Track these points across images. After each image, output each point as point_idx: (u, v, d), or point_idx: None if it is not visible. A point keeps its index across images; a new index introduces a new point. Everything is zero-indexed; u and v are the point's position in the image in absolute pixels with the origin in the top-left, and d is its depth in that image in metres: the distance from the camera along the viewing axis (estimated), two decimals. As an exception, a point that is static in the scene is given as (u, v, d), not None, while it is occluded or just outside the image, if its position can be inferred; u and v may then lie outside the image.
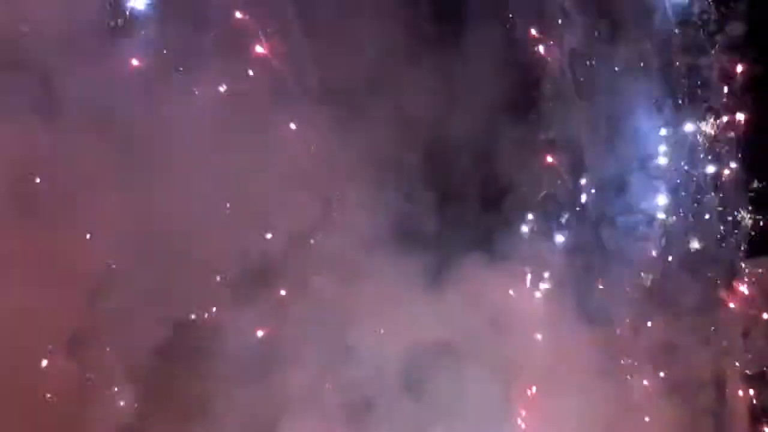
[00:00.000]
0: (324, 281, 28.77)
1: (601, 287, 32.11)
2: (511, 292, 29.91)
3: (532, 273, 31.25)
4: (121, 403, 27.72)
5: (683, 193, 33.66)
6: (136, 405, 28.12)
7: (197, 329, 30.12)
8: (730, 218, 33.19)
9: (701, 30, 32.45)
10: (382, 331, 28.55)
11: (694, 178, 33.37)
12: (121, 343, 28.49)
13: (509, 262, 29.98)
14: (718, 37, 32.40)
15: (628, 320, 31.53)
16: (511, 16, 31.96)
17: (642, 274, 32.68)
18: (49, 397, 25.98)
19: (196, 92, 28.25)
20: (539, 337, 29.87)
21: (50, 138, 28.64)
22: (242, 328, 28.83)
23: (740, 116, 33.12)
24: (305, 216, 29.37)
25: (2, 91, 25.78)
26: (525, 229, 32.03)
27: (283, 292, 29.33)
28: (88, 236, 28.98)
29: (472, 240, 30.10)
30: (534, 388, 30.05)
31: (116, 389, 27.67)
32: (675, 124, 33.60)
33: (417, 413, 29.11)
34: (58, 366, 27.17)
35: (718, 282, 32.80)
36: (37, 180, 28.83)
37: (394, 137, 30.78)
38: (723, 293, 32.34)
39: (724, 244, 33.36)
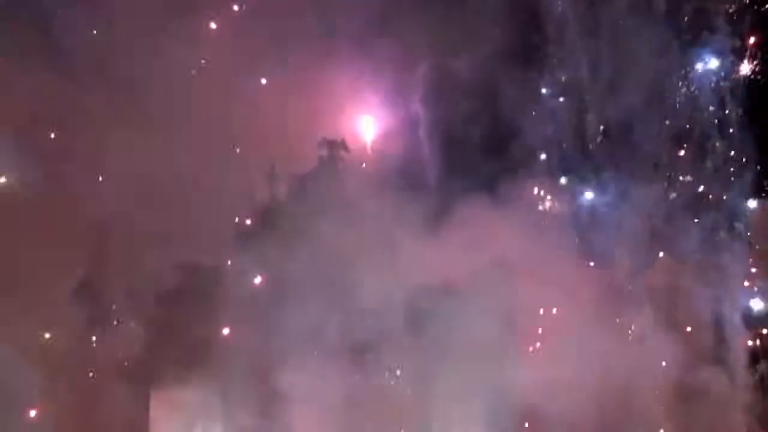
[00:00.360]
0: (328, 223, 28.99)
1: (604, 229, 32.10)
2: (513, 234, 29.83)
3: (535, 215, 31.21)
4: (130, 341, 28.46)
5: (688, 137, 33.51)
6: (144, 344, 28.92)
7: (204, 272, 30.67)
8: (734, 161, 33.02)
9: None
10: (385, 272, 28.70)
11: (700, 122, 33.16)
12: (130, 283, 29.16)
13: (512, 204, 29.95)
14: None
15: (630, 262, 31.55)
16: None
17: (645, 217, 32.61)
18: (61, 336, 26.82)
19: (200, 34, 28.48)
20: (542, 278, 29.94)
21: (57, 83, 29.05)
22: (247, 271, 29.28)
23: (745, 62, 32.89)
24: (310, 158, 29.70)
25: (5, 35, 26.10)
26: (528, 171, 31.86)
27: (286, 235, 29.60)
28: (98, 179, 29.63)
29: (475, 182, 30.27)
30: (536, 328, 30.30)
31: (125, 327, 28.33)
32: (681, 66, 33.32)
33: (421, 353, 29.63)
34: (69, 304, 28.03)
35: (721, 224, 32.75)
36: (46, 125, 29.54)
37: (401, 81, 30.91)
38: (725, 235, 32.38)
39: (727, 188, 33.21)
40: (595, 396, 28.80)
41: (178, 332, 30.17)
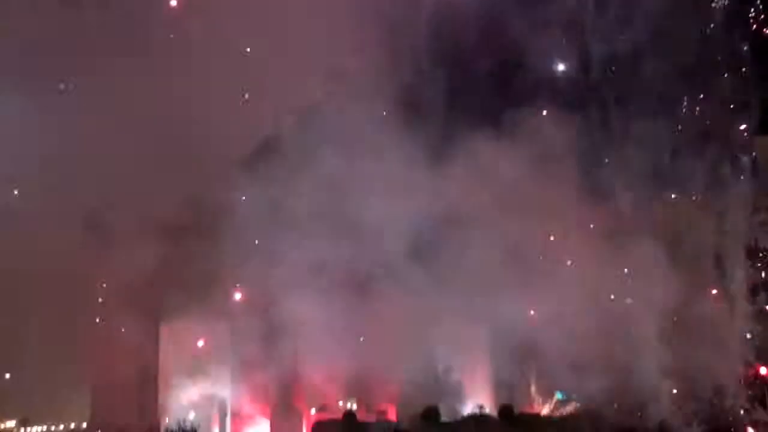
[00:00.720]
0: (332, 154, 29.09)
1: (608, 163, 32.11)
2: (516, 166, 29.87)
3: (539, 148, 31.07)
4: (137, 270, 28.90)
5: (694, 71, 33.23)
6: (151, 273, 29.36)
7: (210, 205, 30.89)
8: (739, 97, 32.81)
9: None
10: (388, 204, 28.89)
11: (706, 53, 32.86)
12: (140, 215, 29.46)
13: (516, 137, 29.93)
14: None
15: (632, 196, 31.60)
16: None
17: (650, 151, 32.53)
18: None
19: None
20: (544, 210, 30.13)
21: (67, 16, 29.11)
22: (253, 202, 29.49)
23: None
24: (313, 91, 29.67)
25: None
26: (533, 104, 31.68)
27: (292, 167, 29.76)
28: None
29: (479, 114, 30.22)
30: (538, 259, 30.56)
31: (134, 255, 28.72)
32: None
33: (423, 282, 29.97)
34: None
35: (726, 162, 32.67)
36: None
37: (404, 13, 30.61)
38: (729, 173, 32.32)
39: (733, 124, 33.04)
40: (596, 326, 29.23)
41: (185, 265, 30.60)
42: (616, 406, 32.31)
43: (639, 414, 31.60)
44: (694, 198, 32.49)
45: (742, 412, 33.12)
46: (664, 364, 30.95)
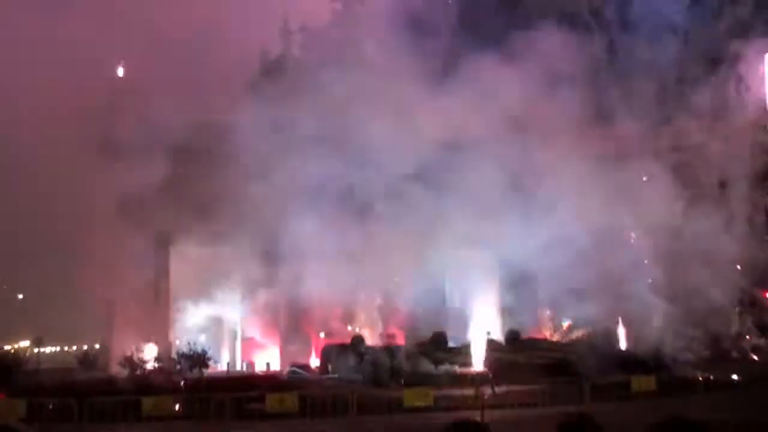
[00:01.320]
0: (336, 75, 29.12)
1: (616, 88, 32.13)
2: (524, 88, 29.87)
3: (546, 71, 31.05)
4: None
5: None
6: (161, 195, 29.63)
7: (214, 129, 31.03)
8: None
9: None
10: (395, 125, 28.92)
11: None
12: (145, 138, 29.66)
13: (523, 59, 29.91)
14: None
15: (638, 119, 31.63)
16: None
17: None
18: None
19: None
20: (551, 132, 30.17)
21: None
22: (256, 126, 29.57)
23: None
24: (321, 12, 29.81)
25: None
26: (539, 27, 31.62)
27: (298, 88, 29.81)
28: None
29: (486, 37, 30.18)
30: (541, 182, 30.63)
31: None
32: None
33: (431, 208, 30.12)
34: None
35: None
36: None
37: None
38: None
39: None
40: (596, 247, 29.37)
41: (191, 187, 30.80)
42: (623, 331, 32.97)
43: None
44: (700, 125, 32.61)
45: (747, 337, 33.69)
46: (664, 289, 31.32)
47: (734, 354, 32.49)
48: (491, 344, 33.83)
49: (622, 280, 30.93)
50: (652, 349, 30.76)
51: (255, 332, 35.15)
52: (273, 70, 31.03)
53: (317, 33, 30.45)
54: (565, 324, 35.82)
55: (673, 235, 30.84)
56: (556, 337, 35.77)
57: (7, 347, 32.43)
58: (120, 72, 31.86)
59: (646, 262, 31.75)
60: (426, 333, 34.09)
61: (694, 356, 30.68)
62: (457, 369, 31.45)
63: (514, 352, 33.14)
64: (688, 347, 31.44)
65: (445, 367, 31.79)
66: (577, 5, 32.88)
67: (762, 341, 33.50)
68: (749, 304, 33.44)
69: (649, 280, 31.76)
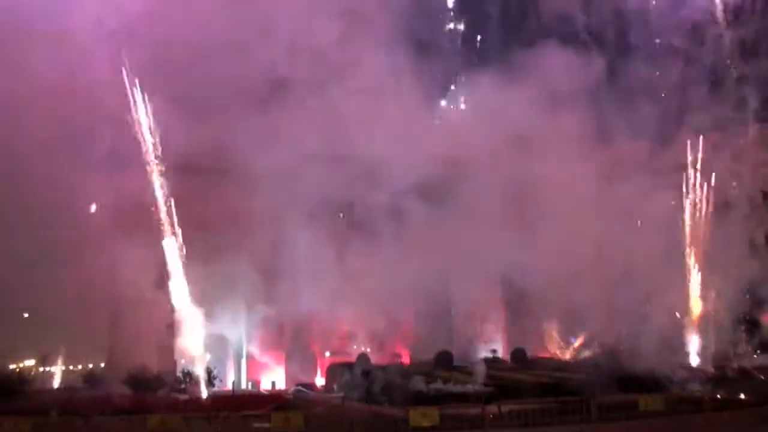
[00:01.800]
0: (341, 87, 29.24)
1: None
2: (527, 106, 29.99)
3: (551, 88, 31.14)
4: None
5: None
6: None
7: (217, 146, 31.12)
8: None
9: None
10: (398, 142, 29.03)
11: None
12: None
13: (527, 76, 30.06)
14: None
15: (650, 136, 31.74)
16: None
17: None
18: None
19: None
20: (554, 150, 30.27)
21: None
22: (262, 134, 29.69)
23: None
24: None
25: None
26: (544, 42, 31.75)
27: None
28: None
29: (488, 53, 30.39)
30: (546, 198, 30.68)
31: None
32: None
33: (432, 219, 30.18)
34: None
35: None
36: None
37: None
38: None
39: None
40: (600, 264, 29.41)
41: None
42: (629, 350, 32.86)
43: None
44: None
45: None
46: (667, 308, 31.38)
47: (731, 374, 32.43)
48: (497, 363, 33.87)
49: (626, 298, 31.15)
50: (656, 368, 30.85)
51: (260, 352, 35.08)
52: (277, 87, 31.08)
53: (322, 52, 30.49)
54: (576, 342, 35.81)
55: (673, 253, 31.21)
56: (567, 356, 35.77)
57: (12, 366, 32.38)
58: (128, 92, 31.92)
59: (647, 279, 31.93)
60: (431, 352, 34.13)
61: (698, 376, 30.77)
62: (462, 388, 31.42)
63: (520, 370, 33.30)
64: (692, 367, 31.49)
65: (449, 386, 31.73)
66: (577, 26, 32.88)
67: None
68: (753, 323, 33.48)
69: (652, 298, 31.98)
